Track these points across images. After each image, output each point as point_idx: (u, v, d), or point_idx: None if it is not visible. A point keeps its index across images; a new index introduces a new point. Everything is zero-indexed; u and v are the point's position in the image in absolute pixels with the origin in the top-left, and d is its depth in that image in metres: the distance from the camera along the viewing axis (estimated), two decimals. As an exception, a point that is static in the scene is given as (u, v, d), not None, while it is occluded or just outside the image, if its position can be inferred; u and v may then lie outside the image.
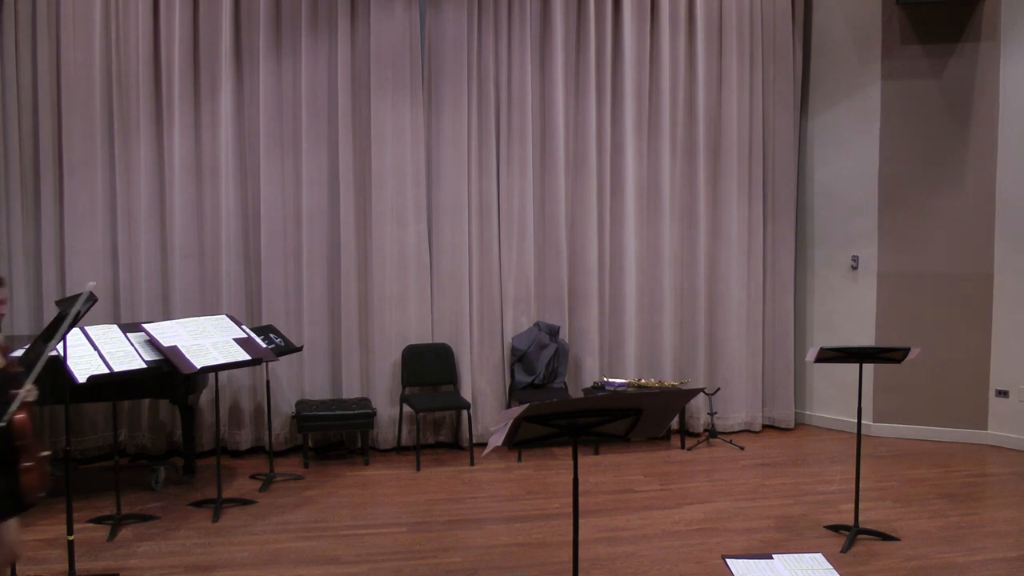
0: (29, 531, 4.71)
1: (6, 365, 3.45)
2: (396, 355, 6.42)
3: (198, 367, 4.81)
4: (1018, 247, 6.43)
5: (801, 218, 7.23)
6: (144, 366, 4.79)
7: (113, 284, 6.15)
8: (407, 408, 6.37)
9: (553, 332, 6.56)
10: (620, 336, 6.82)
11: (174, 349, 4.90)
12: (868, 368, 6.73)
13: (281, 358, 5.81)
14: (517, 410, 2.80)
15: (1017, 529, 4.86)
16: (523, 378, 6.53)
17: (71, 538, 3.90)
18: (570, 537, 3.06)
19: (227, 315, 5.57)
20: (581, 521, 3.13)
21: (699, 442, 6.70)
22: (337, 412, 6.01)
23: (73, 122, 6.02)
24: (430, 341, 6.49)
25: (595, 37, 6.63)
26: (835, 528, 4.82)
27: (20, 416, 3.32)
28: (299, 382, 6.35)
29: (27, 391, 3.36)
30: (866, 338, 6.80)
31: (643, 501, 5.36)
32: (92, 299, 3.81)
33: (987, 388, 6.63)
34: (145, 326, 5.04)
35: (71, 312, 3.60)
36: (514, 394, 6.63)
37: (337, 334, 6.40)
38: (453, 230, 6.49)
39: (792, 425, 7.16)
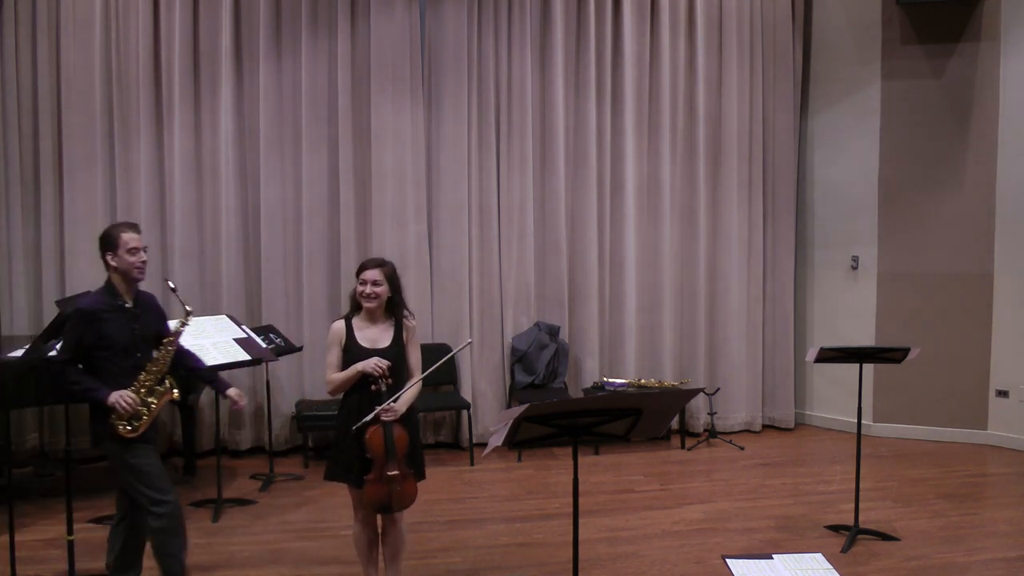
0: (29, 531, 4.71)
1: None
2: (396, 355, 6.41)
3: (198, 367, 4.80)
4: (1018, 247, 6.43)
5: (801, 218, 7.23)
6: (144, 366, 4.77)
7: (113, 284, 6.15)
8: (407, 408, 6.36)
9: (553, 332, 6.55)
10: (620, 336, 6.81)
11: (174, 349, 4.88)
12: (868, 368, 6.68)
13: (281, 358, 5.81)
14: (517, 410, 2.81)
15: (1017, 529, 4.86)
16: (523, 378, 6.53)
17: (71, 538, 3.90)
18: (570, 537, 3.05)
19: (227, 315, 5.57)
20: (581, 521, 3.13)
21: (699, 442, 6.70)
22: (337, 412, 5.98)
23: (73, 122, 6.02)
24: (430, 341, 6.48)
25: (595, 37, 6.63)
26: (835, 528, 4.82)
27: (372, 429, 3.51)
28: (299, 382, 6.35)
29: (381, 408, 3.49)
30: (866, 338, 6.79)
31: (643, 501, 5.36)
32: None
33: (987, 388, 6.62)
34: (145, 326, 5.02)
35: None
36: (514, 394, 6.63)
37: (337, 334, 6.39)
38: (453, 230, 6.49)
39: (792, 425, 7.15)
